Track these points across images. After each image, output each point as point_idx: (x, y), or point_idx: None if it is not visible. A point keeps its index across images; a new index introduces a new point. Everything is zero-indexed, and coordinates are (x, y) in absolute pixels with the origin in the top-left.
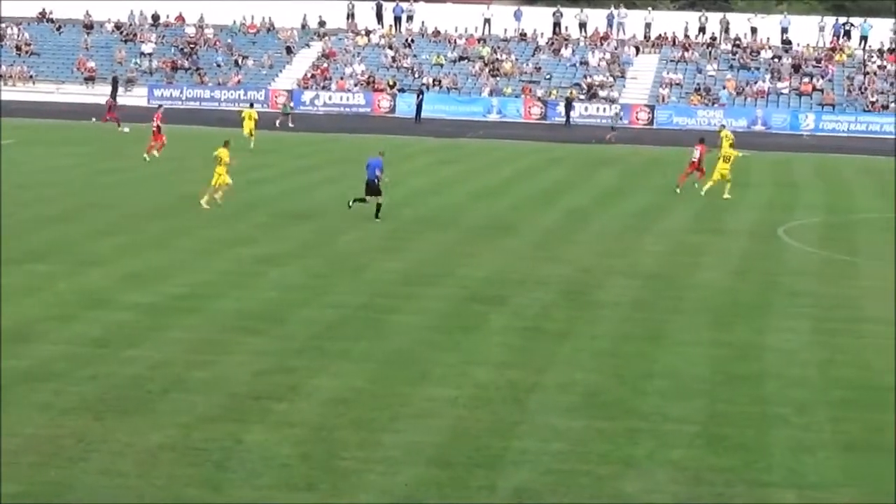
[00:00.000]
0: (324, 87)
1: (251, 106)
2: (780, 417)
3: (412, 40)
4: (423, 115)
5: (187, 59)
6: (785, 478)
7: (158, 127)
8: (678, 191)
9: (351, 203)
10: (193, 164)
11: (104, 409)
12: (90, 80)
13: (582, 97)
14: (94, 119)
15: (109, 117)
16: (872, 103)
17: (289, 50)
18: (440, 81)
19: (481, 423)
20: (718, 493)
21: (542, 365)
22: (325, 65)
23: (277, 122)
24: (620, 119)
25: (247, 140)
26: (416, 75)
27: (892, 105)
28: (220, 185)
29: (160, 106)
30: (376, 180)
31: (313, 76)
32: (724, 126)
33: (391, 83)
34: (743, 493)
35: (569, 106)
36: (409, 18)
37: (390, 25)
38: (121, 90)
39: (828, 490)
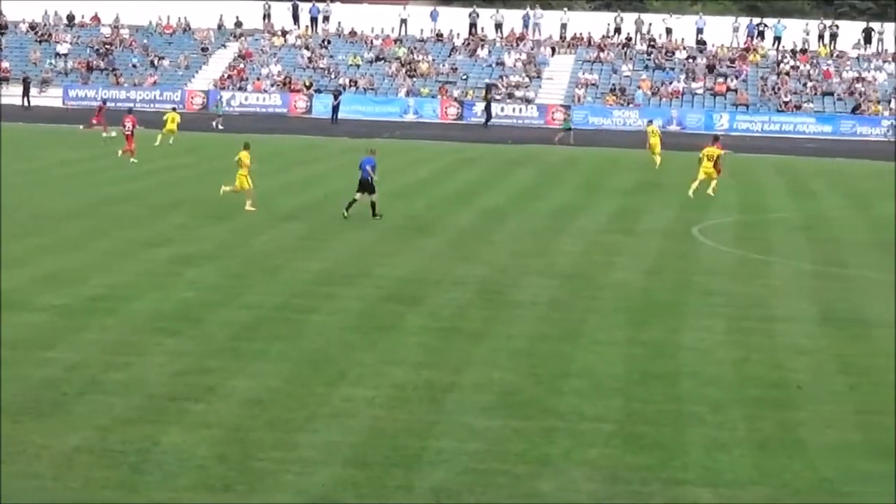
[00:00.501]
0: (240, 88)
1: (174, 109)
2: (695, 416)
3: (328, 41)
4: (340, 115)
5: (103, 60)
6: (700, 476)
7: (132, 132)
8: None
9: (346, 212)
10: (108, 164)
11: (19, 411)
12: (4, 80)
13: (497, 97)
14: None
15: (97, 122)
16: (786, 103)
17: (205, 50)
18: (356, 82)
19: (398, 423)
20: (635, 492)
21: (458, 365)
22: (242, 65)
23: (214, 122)
24: (570, 120)
25: (164, 137)
26: (333, 76)
27: (805, 105)
28: (242, 188)
29: (130, 110)
30: (369, 178)
31: (230, 77)
32: (651, 122)
33: (308, 84)
34: (659, 492)
35: (488, 106)
36: (326, 19)
37: (306, 26)
38: (35, 91)
39: (742, 488)
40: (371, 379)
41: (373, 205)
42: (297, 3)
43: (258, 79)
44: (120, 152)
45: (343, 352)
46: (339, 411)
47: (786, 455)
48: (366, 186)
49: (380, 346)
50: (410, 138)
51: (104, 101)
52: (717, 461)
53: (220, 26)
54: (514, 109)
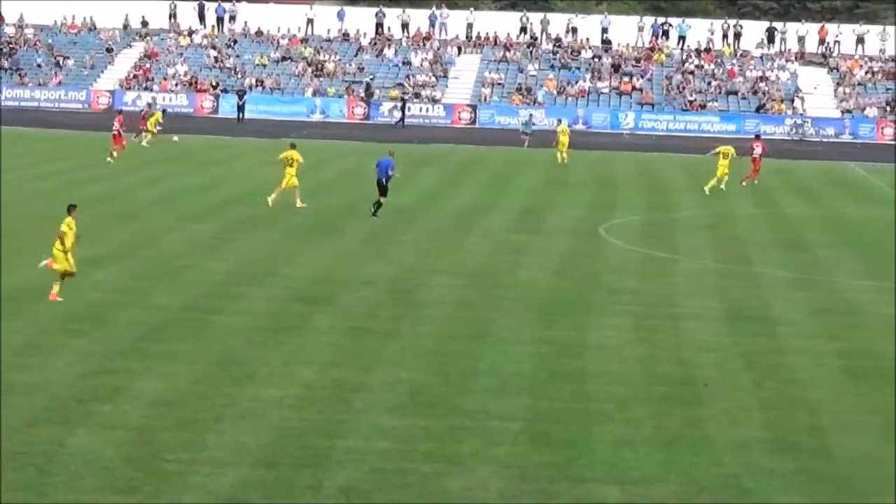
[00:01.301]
0: (146, 88)
1: (163, 112)
2: (602, 414)
3: (235, 41)
4: (247, 115)
5: (7, 60)
6: (607, 473)
7: (119, 131)
8: (744, 184)
9: (374, 214)
10: (9, 165)
11: None
12: None
13: (411, 99)
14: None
15: (143, 127)
16: (690, 102)
17: (110, 50)
18: (263, 82)
19: (307, 423)
20: (542, 490)
21: (367, 364)
22: (148, 65)
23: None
24: (533, 124)
25: (152, 137)
26: (239, 76)
27: (710, 104)
28: (290, 187)
29: (121, 111)
30: (385, 180)
31: (135, 77)
32: (560, 121)
33: (214, 84)
34: (566, 490)
35: (403, 107)
36: (232, 19)
37: (213, 26)
38: None
39: (649, 485)
40: (280, 379)
41: (379, 204)
42: (203, 2)
43: (164, 79)
44: (110, 159)
45: (251, 352)
46: (248, 411)
47: (692, 452)
48: (381, 188)
49: (288, 346)
50: (317, 138)
51: (148, 105)
52: (624, 458)
53: (125, 26)
54: (420, 109)
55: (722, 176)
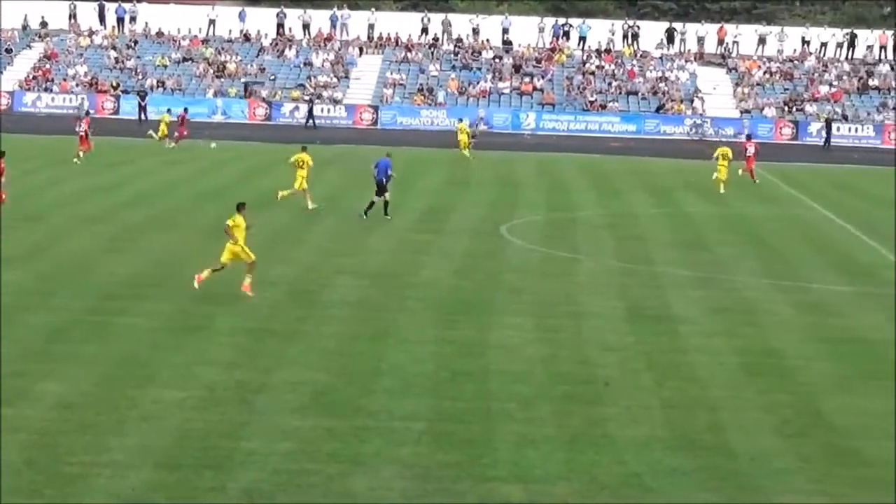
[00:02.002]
0: (46, 89)
1: (168, 111)
2: (504, 413)
3: (135, 41)
4: (149, 116)
5: None
6: (510, 472)
7: (86, 132)
8: (757, 181)
9: (364, 214)
10: None
11: None
12: None
13: (306, 98)
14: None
15: (182, 134)
16: (591, 103)
17: (9, 51)
18: (164, 82)
19: (209, 425)
20: (446, 489)
21: (270, 365)
22: (48, 66)
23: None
24: (481, 124)
25: (160, 141)
26: (140, 76)
27: (611, 104)
28: (301, 189)
29: (87, 113)
30: (385, 180)
31: (35, 77)
32: (461, 120)
33: (115, 84)
34: (470, 489)
35: (311, 108)
36: (133, 19)
37: (113, 26)
38: None
39: (551, 483)
40: (181, 380)
41: (385, 204)
42: (104, 3)
43: (64, 79)
44: (76, 160)
45: (154, 353)
46: (150, 413)
47: (594, 451)
48: (381, 188)
49: (190, 348)
50: (219, 139)
51: (78, 109)
52: (527, 457)
53: (24, 26)
54: (322, 110)
55: (722, 176)
